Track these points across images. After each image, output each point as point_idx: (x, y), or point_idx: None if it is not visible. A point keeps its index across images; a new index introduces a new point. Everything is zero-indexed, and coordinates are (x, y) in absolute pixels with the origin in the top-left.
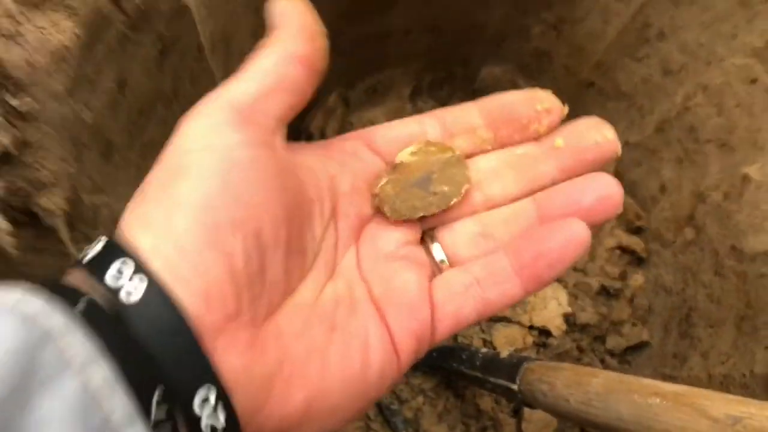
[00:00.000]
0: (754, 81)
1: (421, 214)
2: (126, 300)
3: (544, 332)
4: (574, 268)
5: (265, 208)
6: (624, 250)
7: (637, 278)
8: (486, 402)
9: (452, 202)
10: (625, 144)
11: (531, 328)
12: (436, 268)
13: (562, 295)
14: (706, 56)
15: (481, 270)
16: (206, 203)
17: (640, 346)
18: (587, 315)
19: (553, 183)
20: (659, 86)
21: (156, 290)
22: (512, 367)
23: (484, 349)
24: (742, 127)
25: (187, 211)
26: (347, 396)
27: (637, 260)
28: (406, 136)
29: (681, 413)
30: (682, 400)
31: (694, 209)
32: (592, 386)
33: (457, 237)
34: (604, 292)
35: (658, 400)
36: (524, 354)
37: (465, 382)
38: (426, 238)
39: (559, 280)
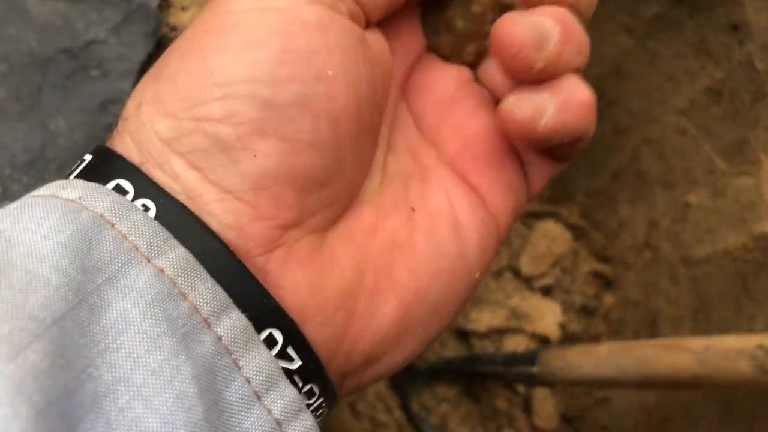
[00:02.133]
0: (684, 133)
1: (471, 49)
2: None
3: (544, 339)
4: (561, 287)
5: (344, 84)
6: (595, 275)
7: (609, 298)
8: (501, 402)
9: None
10: (587, 191)
11: (533, 335)
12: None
13: (556, 308)
14: (646, 117)
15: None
16: (259, 73)
17: None
18: (574, 327)
19: None
20: (611, 143)
21: (172, 210)
22: (530, 356)
23: (500, 352)
24: (679, 168)
25: (230, 83)
26: (447, 288)
27: (607, 283)
28: None
29: (668, 353)
30: (668, 345)
31: (649, 235)
32: (598, 353)
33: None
34: (584, 309)
35: (650, 349)
36: None
37: (485, 383)
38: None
39: (550, 296)
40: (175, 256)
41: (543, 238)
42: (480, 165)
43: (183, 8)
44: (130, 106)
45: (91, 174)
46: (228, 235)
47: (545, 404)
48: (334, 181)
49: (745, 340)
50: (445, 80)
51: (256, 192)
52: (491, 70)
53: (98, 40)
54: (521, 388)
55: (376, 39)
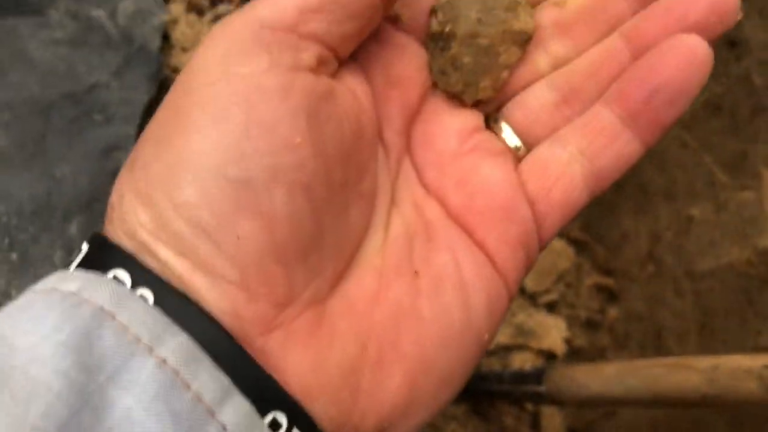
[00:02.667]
0: (685, 146)
1: (486, 84)
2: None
3: (551, 355)
4: (565, 302)
5: (311, 149)
6: (600, 288)
7: (613, 311)
8: (509, 419)
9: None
10: (589, 204)
11: (540, 351)
12: (515, 157)
13: (561, 324)
14: None
15: (582, 135)
16: (226, 152)
17: None
18: (579, 341)
19: (634, 14)
20: None
21: (169, 298)
22: (537, 374)
23: (508, 369)
24: (681, 181)
25: (200, 167)
26: (455, 355)
27: (611, 296)
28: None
29: (676, 373)
30: (676, 364)
31: (653, 248)
32: (606, 372)
33: (530, 110)
34: (589, 323)
35: (657, 369)
36: None
37: (493, 400)
38: (491, 123)
39: (555, 311)
40: (176, 344)
41: (546, 253)
42: (486, 220)
43: (184, 49)
44: (114, 197)
45: (89, 264)
46: (225, 320)
47: (553, 420)
48: (317, 248)
49: (752, 360)
50: (449, 131)
51: (244, 274)
52: (515, 107)
53: (101, 83)
54: (529, 405)
55: (348, 86)
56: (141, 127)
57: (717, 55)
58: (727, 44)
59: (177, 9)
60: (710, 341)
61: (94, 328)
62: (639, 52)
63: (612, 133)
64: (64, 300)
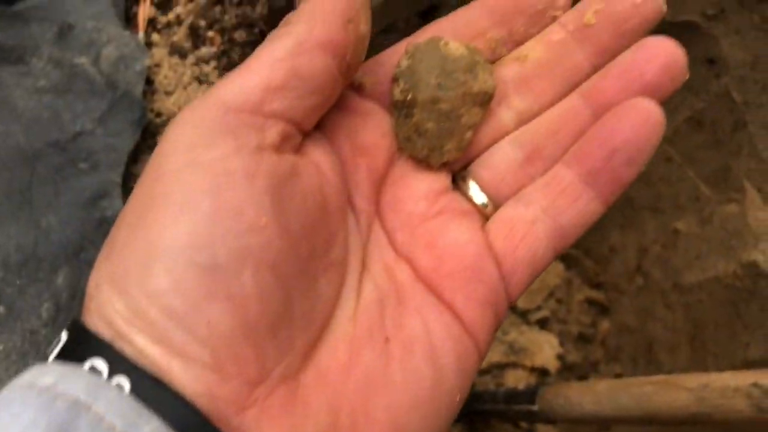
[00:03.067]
0: (669, 160)
1: (450, 146)
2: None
3: (544, 372)
4: (557, 318)
5: (277, 228)
6: (590, 302)
7: (605, 324)
8: None
9: (476, 121)
10: None
11: (533, 369)
12: (482, 215)
13: (553, 340)
14: None
15: (544, 195)
16: (194, 238)
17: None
18: (572, 356)
19: (595, 70)
20: None
21: (146, 384)
22: (530, 393)
23: (502, 388)
24: (666, 195)
25: (170, 255)
26: (427, 417)
27: (603, 309)
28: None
29: (667, 391)
30: (667, 382)
31: (641, 261)
32: (598, 390)
33: (496, 169)
34: (581, 337)
35: (649, 387)
36: None
37: (488, 420)
38: (458, 181)
39: (547, 328)
40: (150, 429)
41: None
42: (454, 282)
43: (167, 93)
44: (91, 285)
45: (68, 353)
46: (200, 401)
47: None
48: (287, 323)
49: (741, 378)
50: (417, 194)
51: (216, 356)
52: (480, 168)
53: (85, 131)
54: (524, 424)
55: (311, 159)
56: (126, 174)
57: (697, 72)
58: (706, 62)
59: (159, 53)
60: (701, 353)
61: (70, 419)
62: (598, 111)
63: (573, 192)
64: (40, 395)
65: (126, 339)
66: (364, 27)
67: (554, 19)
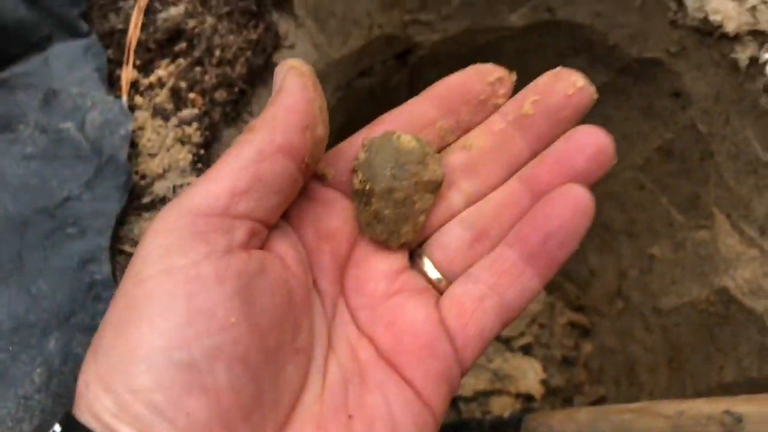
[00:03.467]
0: (642, 187)
1: (407, 230)
2: None
3: (528, 398)
4: (540, 343)
5: (245, 325)
6: (573, 325)
7: (587, 346)
8: None
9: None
10: None
11: (518, 395)
12: (436, 290)
13: (537, 366)
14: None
15: (490, 273)
16: (172, 339)
17: (599, 401)
18: (556, 380)
19: (534, 155)
20: None
21: None
22: (515, 422)
23: (488, 416)
24: (641, 220)
25: (151, 356)
26: None
27: (585, 332)
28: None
29: (645, 418)
30: (645, 410)
31: (620, 285)
32: (579, 418)
33: (448, 248)
34: (565, 361)
35: (628, 415)
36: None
37: None
38: (415, 258)
39: (531, 354)
40: None
41: None
42: (412, 359)
43: (151, 155)
44: (81, 384)
45: None
46: None
47: None
48: (258, 408)
49: (714, 405)
50: (378, 274)
51: None
52: (432, 248)
53: (73, 196)
54: None
55: (277, 253)
56: (113, 238)
57: (664, 105)
58: (672, 95)
59: (142, 116)
60: (679, 375)
61: None
62: (536, 195)
63: (516, 271)
64: None
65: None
66: (322, 131)
67: (496, 107)
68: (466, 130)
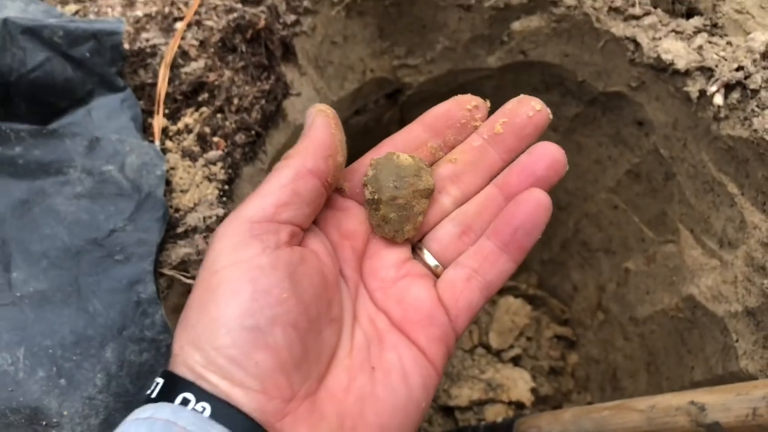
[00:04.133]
0: (616, 207)
1: (408, 228)
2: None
3: (520, 405)
4: (528, 355)
5: (294, 300)
6: (559, 337)
7: (573, 357)
8: None
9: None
10: (541, 261)
11: (510, 403)
12: (434, 274)
13: (526, 375)
14: (582, 195)
15: (474, 260)
16: (242, 311)
17: None
18: (545, 389)
19: (505, 164)
20: (557, 218)
21: (220, 405)
22: (507, 426)
23: (483, 422)
24: (616, 237)
25: (228, 323)
26: (403, 420)
27: (570, 343)
28: (366, 167)
29: (621, 414)
30: (621, 406)
31: (600, 298)
32: (564, 419)
33: (442, 241)
34: (553, 371)
35: (606, 412)
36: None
37: None
38: (416, 250)
39: (520, 365)
40: (217, 431)
41: (506, 313)
42: (417, 327)
43: (183, 191)
44: (176, 346)
45: (166, 392)
46: (255, 415)
47: None
48: (306, 361)
49: (681, 398)
50: (388, 264)
51: (263, 385)
52: (429, 243)
53: (118, 228)
54: None
55: (312, 249)
56: (155, 263)
57: (630, 132)
58: (636, 123)
59: (174, 158)
60: (656, 378)
61: (166, 430)
62: (508, 197)
63: (494, 257)
64: (144, 421)
65: (204, 378)
66: (341, 158)
67: (474, 128)
68: (452, 147)
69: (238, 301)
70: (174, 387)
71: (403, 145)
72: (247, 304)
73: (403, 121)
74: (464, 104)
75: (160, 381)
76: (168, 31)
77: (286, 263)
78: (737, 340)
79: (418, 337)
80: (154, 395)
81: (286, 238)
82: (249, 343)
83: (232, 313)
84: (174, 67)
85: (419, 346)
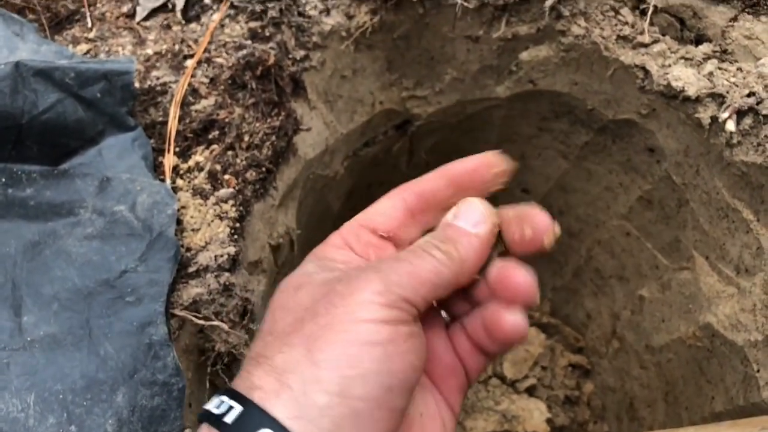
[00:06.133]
0: (628, 234)
1: None
2: None
3: None
4: (543, 385)
5: (403, 384)
6: (573, 366)
7: (588, 386)
8: None
9: None
10: (553, 288)
11: None
12: (446, 322)
13: (542, 406)
14: (594, 222)
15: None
16: (347, 377)
17: None
18: (561, 419)
19: None
20: (568, 245)
21: None
22: None
23: None
24: (630, 264)
25: (327, 385)
26: None
27: (585, 372)
28: (390, 209)
29: None
30: None
31: (615, 326)
32: None
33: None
34: (568, 400)
35: None
36: None
37: None
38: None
39: (535, 395)
40: None
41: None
42: (443, 379)
43: (194, 230)
44: (266, 381)
45: (245, 420)
46: None
47: None
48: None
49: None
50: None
51: None
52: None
53: (129, 269)
54: None
55: (417, 326)
56: (166, 304)
57: (641, 159)
58: (647, 150)
59: (185, 196)
60: (675, 408)
61: None
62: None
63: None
64: None
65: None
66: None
67: (494, 189)
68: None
69: (345, 361)
70: (253, 420)
71: (426, 198)
72: (352, 369)
73: (412, 152)
74: (492, 167)
75: (239, 409)
76: (178, 68)
77: (401, 340)
78: (758, 370)
79: (444, 389)
80: (227, 419)
81: (412, 315)
82: (344, 416)
83: (335, 374)
84: (184, 104)
85: (443, 395)
